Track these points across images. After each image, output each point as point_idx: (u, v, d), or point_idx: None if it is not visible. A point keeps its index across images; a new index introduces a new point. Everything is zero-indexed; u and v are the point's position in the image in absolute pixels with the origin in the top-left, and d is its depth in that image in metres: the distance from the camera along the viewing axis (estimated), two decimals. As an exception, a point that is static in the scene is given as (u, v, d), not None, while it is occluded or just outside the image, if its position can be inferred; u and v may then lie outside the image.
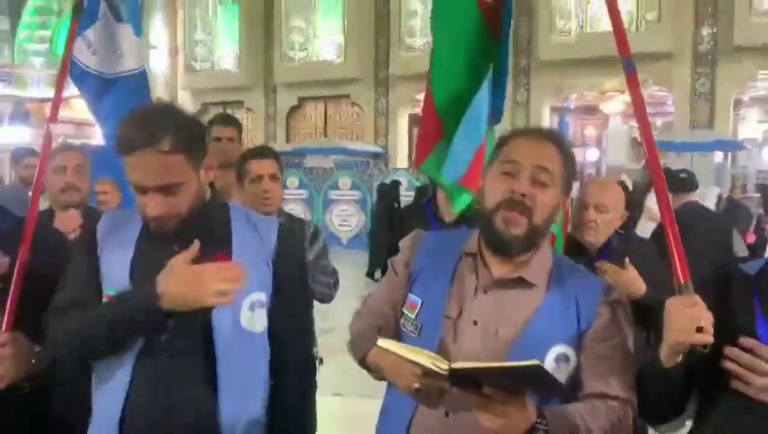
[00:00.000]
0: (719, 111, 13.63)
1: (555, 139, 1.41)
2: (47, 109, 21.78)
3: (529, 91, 15.11)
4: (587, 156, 16.48)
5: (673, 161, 10.37)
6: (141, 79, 2.55)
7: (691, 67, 13.69)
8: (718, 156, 12.21)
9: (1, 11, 22.62)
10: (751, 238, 5.45)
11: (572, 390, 1.32)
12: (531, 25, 14.85)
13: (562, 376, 1.29)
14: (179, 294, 1.31)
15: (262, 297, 1.47)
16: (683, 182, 4.77)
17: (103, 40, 2.43)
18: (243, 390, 1.45)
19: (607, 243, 2.37)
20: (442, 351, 1.31)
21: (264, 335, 1.49)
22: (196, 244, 1.34)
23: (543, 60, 14.60)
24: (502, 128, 2.07)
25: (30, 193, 1.78)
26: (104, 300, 1.43)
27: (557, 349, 1.31)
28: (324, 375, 2.74)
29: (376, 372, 1.37)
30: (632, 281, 2.16)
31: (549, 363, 1.29)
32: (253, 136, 18.06)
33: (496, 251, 1.38)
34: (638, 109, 1.49)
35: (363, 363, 1.41)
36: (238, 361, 1.43)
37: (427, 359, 1.17)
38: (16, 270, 1.65)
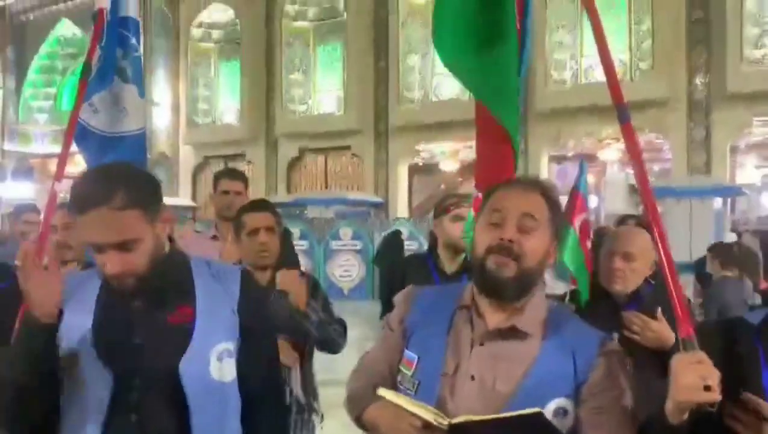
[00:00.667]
0: (716, 157, 13.75)
1: (539, 187, 1.43)
2: (50, 164, 21.97)
3: (527, 140, 15.27)
4: (587, 203, 16.54)
5: (671, 207, 10.40)
6: (140, 139, 2.59)
7: (686, 115, 13.88)
8: (717, 202, 12.28)
9: (9, 71, 23.12)
10: (765, 285, 5.42)
11: None
12: (527, 75, 15.14)
13: (563, 430, 1.29)
14: (28, 294, 1.34)
15: (230, 346, 1.46)
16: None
17: (106, 100, 2.47)
18: None
19: (635, 291, 2.31)
20: (440, 407, 1.30)
21: (234, 384, 1.47)
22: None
23: (539, 109, 14.83)
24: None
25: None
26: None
27: (556, 402, 1.30)
28: (326, 430, 2.71)
29: (373, 431, 1.37)
30: (661, 331, 2.11)
31: (548, 417, 1.28)
32: (254, 187, 18.15)
33: (490, 295, 1.38)
34: (634, 155, 1.50)
35: (359, 421, 1.41)
36: (210, 413, 1.42)
37: (428, 412, 1.17)
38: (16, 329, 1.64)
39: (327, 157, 19.02)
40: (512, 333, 1.36)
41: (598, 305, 2.32)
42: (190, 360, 1.40)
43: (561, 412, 1.30)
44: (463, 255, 2.86)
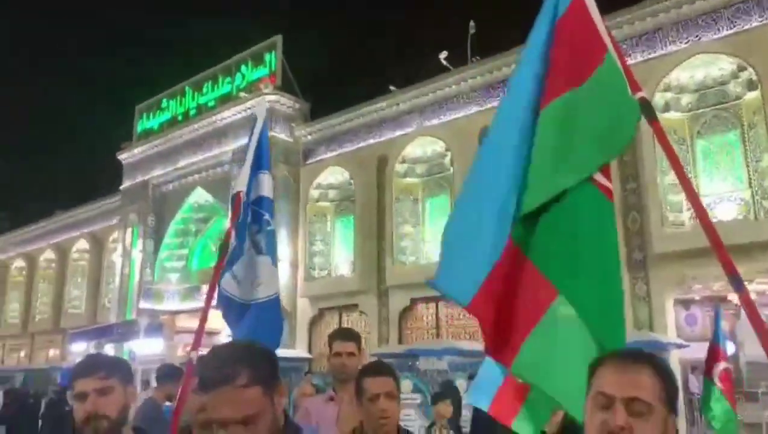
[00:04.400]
0: None
1: (647, 360, 1.38)
2: (178, 320, 23.07)
3: (648, 284, 14.59)
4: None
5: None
6: (275, 304, 2.80)
7: (826, 251, 12.83)
8: None
9: (149, 236, 25.57)
10: None
11: None
12: (642, 219, 14.79)
13: None
14: None
15: None
16: None
17: (245, 271, 2.73)
18: None
19: None
20: None
21: None
22: None
23: (658, 252, 14.26)
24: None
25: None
26: None
27: None
28: None
29: None
30: None
31: None
32: (367, 338, 18.28)
33: None
34: (756, 325, 1.48)
35: None
36: None
37: None
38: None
39: (438, 306, 18.97)
40: None
41: None
42: None
43: None
44: (562, 414, 2.75)
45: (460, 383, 13.38)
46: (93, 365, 1.90)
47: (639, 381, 1.33)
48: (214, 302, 2.50)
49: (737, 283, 1.51)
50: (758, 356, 13.40)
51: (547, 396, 3.05)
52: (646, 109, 1.85)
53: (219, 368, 1.45)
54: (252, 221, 2.75)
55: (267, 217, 2.81)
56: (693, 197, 1.69)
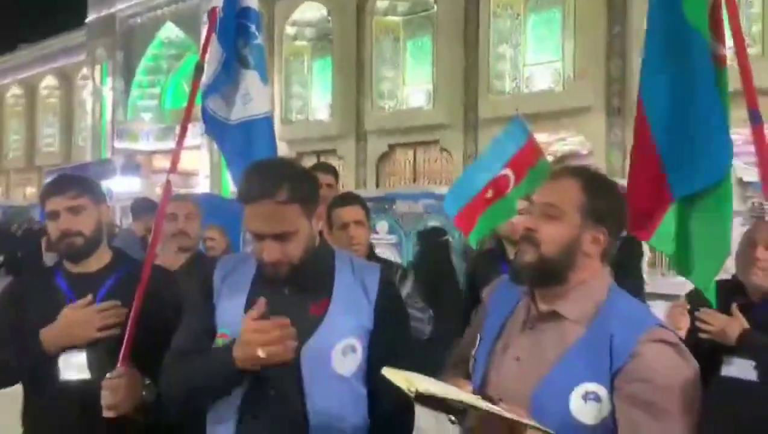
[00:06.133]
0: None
1: (578, 173, 1.44)
2: (155, 160, 23.09)
3: (623, 132, 14.70)
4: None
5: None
6: (268, 122, 2.61)
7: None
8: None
9: (118, 73, 24.65)
10: None
11: None
12: (624, 65, 14.56)
13: (593, 416, 1.29)
14: (249, 356, 1.38)
15: (355, 342, 1.50)
16: None
17: (230, 89, 2.52)
18: (336, 432, 1.48)
19: None
20: (485, 384, 1.42)
21: (356, 379, 1.52)
22: (261, 302, 1.39)
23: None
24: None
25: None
26: (217, 337, 1.52)
27: (585, 387, 1.30)
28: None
29: None
30: (730, 326, 2.04)
31: (576, 401, 1.29)
32: (344, 182, 18.51)
33: (516, 281, 1.48)
34: (763, 161, 1.55)
35: None
36: (328, 403, 1.47)
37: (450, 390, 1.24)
38: (132, 312, 1.78)
39: (416, 152, 19.08)
40: (555, 317, 1.40)
41: (729, 299, 2.14)
42: (311, 349, 1.47)
43: (592, 397, 1.29)
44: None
45: (434, 225, 13.82)
46: (63, 184, 1.88)
47: (557, 189, 1.43)
48: (192, 136, 2.41)
49: (755, 116, 1.61)
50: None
51: (496, 218, 3.41)
52: None
53: (260, 182, 1.46)
54: (237, 35, 2.51)
55: (253, 29, 2.58)
56: (739, 38, 1.72)
